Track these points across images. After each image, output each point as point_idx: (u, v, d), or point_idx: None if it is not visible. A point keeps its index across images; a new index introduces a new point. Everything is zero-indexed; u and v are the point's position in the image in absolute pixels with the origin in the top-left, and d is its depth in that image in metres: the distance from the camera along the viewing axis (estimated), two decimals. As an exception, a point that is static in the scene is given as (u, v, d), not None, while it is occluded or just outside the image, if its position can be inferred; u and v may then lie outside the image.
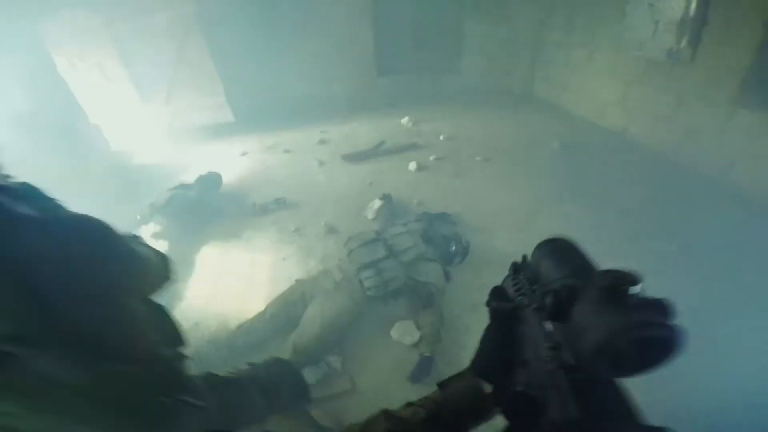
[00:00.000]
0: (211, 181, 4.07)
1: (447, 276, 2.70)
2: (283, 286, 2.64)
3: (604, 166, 4.51)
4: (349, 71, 6.28)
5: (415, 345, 2.43)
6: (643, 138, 4.64)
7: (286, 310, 2.40)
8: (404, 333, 2.53)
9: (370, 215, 3.67)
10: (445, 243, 2.88)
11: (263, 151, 5.22)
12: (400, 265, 2.51)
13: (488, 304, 0.65)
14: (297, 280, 2.62)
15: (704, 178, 3.88)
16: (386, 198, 3.77)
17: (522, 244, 0.70)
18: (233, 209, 3.92)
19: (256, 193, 4.21)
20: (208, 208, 3.82)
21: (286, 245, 3.45)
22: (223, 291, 2.96)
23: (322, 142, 5.31)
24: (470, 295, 2.89)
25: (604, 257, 0.52)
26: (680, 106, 4.19)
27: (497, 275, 0.74)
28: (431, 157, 4.70)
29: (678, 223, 3.30)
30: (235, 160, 5.03)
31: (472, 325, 2.69)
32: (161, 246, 2.93)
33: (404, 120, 5.73)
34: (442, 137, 5.23)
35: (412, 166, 4.48)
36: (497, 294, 0.65)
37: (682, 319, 0.38)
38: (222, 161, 4.98)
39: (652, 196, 3.82)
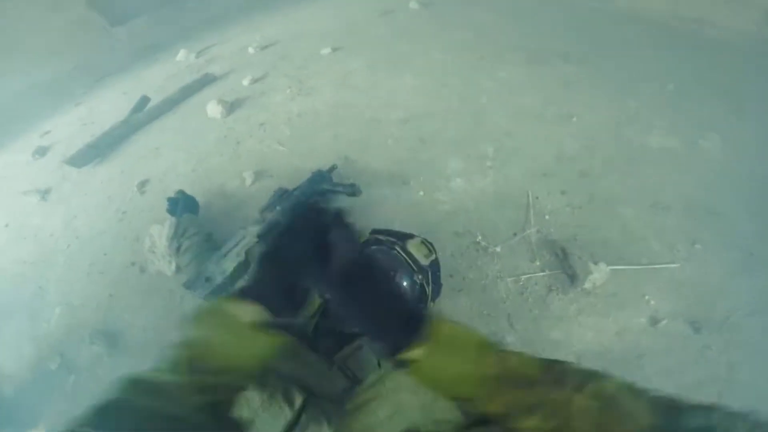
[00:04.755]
0: None
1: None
2: None
3: None
4: None
5: None
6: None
7: None
8: None
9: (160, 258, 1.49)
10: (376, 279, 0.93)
11: None
12: None
13: None
14: None
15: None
16: (179, 204, 1.60)
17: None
18: None
19: None
20: None
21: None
22: None
23: (37, 154, 2.58)
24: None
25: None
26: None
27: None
28: (245, 81, 2.48)
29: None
30: None
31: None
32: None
33: (180, 55, 3.26)
34: (251, 50, 2.97)
35: (213, 109, 2.23)
36: None
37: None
38: None
39: None
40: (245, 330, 0.53)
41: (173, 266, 1.51)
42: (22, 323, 1.63)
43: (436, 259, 1.11)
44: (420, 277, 1.04)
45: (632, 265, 1.29)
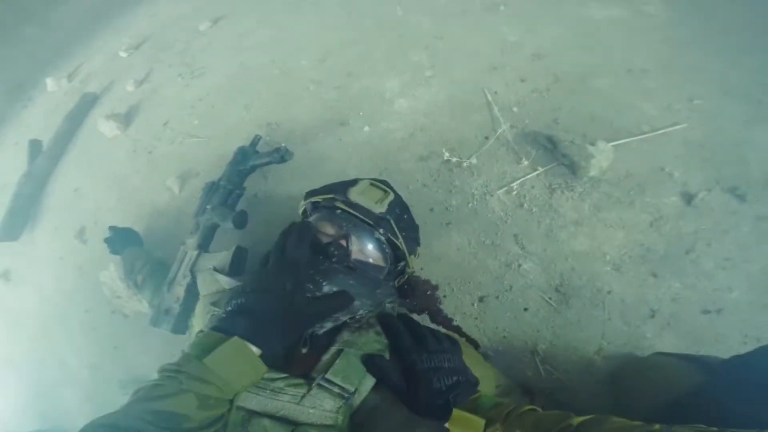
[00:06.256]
0: None
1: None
2: None
3: None
4: None
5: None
6: None
7: None
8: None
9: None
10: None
11: None
12: None
13: None
14: None
15: None
16: (116, 242, 1.41)
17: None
18: None
19: None
20: None
21: None
22: None
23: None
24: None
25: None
26: None
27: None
28: (129, 87, 2.12)
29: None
30: None
31: None
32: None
33: (50, 86, 2.77)
34: (123, 53, 2.54)
35: (107, 127, 1.91)
36: None
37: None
38: None
39: None
40: (252, 363, 0.57)
41: (145, 303, 1.34)
42: (74, 392, 1.58)
43: (396, 198, 0.88)
44: (381, 231, 0.81)
45: (635, 136, 1.10)
